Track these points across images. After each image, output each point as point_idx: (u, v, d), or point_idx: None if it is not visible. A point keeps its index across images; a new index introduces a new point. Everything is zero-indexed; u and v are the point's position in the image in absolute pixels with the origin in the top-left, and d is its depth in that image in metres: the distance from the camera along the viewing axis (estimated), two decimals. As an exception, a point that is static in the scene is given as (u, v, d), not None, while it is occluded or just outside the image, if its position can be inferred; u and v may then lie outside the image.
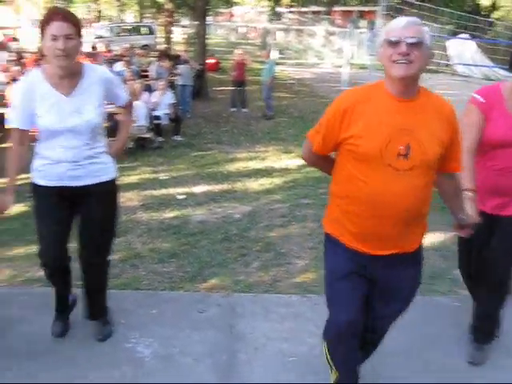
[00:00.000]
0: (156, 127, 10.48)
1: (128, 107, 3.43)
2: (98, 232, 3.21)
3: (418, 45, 2.23)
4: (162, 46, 24.11)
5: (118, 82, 3.26)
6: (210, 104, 15.50)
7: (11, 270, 4.89)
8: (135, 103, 9.90)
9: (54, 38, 2.76)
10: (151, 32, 29.12)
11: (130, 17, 48.97)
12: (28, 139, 3.09)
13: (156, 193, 7.42)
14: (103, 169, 3.15)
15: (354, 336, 2.61)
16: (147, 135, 10.10)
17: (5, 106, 9.73)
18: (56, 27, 2.76)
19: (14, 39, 25.16)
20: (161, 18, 33.22)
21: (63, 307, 3.53)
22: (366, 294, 2.59)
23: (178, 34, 30.11)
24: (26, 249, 5.42)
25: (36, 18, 44.51)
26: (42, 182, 3.10)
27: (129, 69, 12.29)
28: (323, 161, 2.66)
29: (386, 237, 2.44)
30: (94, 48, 21.59)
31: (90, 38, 26.58)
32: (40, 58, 15.73)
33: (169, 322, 3.71)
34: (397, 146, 2.30)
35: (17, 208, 6.82)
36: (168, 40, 26.66)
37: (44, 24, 2.80)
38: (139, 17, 37.94)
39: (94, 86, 2.98)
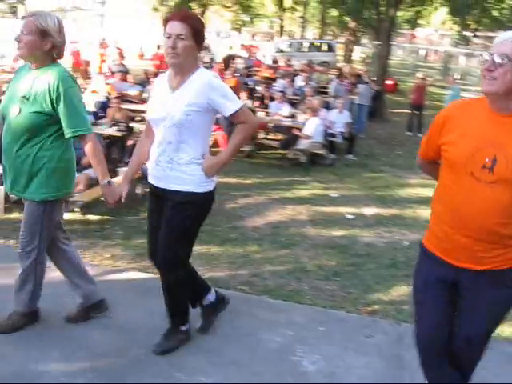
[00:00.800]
0: (330, 144, 10.52)
1: (240, 121, 3.04)
2: (163, 240, 3.08)
3: (503, 62, 2.18)
4: (341, 64, 24.23)
5: (228, 92, 2.98)
6: (384, 126, 15.26)
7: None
8: (312, 119, 10.04)
9: (168, 37, 2.85)
10: (331, 49, 29.43)
11: (310, 33, 50.01)
12: (152, 132, 3.14)
13: (325, 209, 7.42)
14: (184, 179, 2.97)
15: (438, 350, 2.58)
16: (321, 151, 10.16)
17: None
18: (171, 26, 2.85)
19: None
20: (341, 36, 33.48)
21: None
22: (453, 308, 2.56)
23: (357, 53, 30.13)
24: (198, 248, 5.64)
25: (221, 29, 47.26)
26: (149, 178, 3.20)
27: (308, 84, 12.48)
28: (431, 167, 2.71)
29: (468, 249, 2.40)
30: (274, 61, 22.34)
31: (270, 51, 27.58)
32: (223, 67, 16.65)
33: (336, 342, 3.63)
34: (483, 157, 2.30)
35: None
36: (348, 58, 26.77)
37: (164, 22, 2.93)
38: (320, 34, 38.56)
39: (194, 88, 2.92)
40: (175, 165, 2.96)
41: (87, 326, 3.49)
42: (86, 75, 20.58)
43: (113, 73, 14.29)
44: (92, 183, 7.53)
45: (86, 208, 6.69)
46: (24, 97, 3.01)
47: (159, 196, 3.08)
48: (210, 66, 19.21)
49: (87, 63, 20.35)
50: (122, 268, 4.75)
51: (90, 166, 6.44)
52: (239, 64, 18.70)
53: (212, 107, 2.94)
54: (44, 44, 3.03)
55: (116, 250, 5.38)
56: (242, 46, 28.83)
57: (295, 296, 4.51)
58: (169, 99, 2.95)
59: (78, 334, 3.39)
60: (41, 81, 3.02)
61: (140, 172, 6.60)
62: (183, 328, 3.36)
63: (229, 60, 21.01)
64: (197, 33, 2.89)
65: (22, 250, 3.23)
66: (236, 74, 15.42)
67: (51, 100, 2.99)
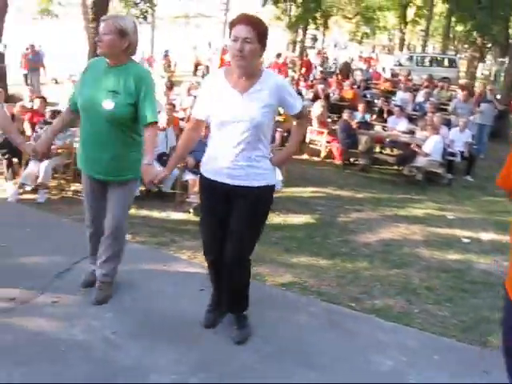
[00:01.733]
0: (448, 164, 10.16)
1: (301, 118, 3.31)
2: (244, 235, 3.21)
3: None
4: (463, 81, 23.33)
5: (293, 91, 3.23)
6: (507, 147, 14.47)
7: (291, 275, 5.15)
8: (433, 137, 9.77)
9: (234, 40, 2.92)
10: (453, 65, 28.41)
11: (431, 47, 48.61)
12: (201, 130, 3.37)
13: (440, 231, 7.18)
14: (260, 174, 3.14)
15: None
16: (438, 170, 9.85)
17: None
18: (238, 30, 2.92)
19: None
20: (463, 51, 32.22)
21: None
22: None
23: (479, 70, 28.89)
24: (307, 259, 5.71)
25: (339, 40, 47.04)
26: (205, 175, 3.26)
27: (429, 100, 12.15)
28: None
29: None
30: (393, 75, 21.96)
31: (390, 64, 27.08)
32: (342, 75, 16.56)
33: (450, 373, 3.48)
34: None
35: (304, 219, 7.27)
36: (471, 75, 25.70)
37: (231, 26, 2.99)
38: (441, 48, 37.35)
39: (267, 90, 3.04)
40: (254, 162, 3.11)
41: (219, 329, 3.52)
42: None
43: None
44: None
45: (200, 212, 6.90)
46: (114, 91, 3.35)
47: (224, 194, 3.17)
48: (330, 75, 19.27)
49: (207, 68, 21.03)
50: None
51: (196, 167, 6.69)
52: (358, 76, 18.55)
53: (280, 106, 3.17)
54: (123, 43, 3.36)
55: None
56: (361, 57, 28.58)
57: (404, 318, 4.39)
58: (240, 101, 3.04)
59: (190, 334, 3.46)
60: (127, 76, 3.37)
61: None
62: (246, 313, 3.50)
63: (347, 68, 20.97)
64: (262, 36, 2.97)
65: (118, 227, 3.58)
66: (354, 86, 15.31)
67: (137, 91, 3.36)
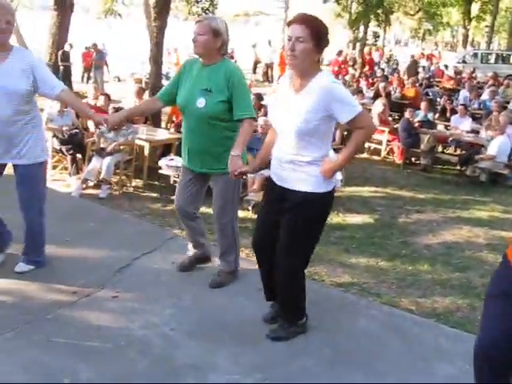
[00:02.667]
0: (515, 164, 9.79)
1: (356, 127, 2.98)
2: (284, 235, 3.16)
3: None
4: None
5: (346, 97, 2.92)
6: None
7: (349, 276, 5.08)
8: (498, 137, 9.44)
9: (289, 39, 2.89)
10: (520, 62, 27.42)
11: (496, 44, 47.12)
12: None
13: (505, 234, 6.90)
14: (303, 180, 3.03)
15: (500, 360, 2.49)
16: (504, 171, 9.50)
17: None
18: (291, 29, 2.90)
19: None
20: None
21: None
22: None
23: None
24: (367, 260, 5.61)
25: (400, 37, 46.13)
26: (268, 173, 3.29)
27: (494, 99, 11.75)
28: None
29: None
30: (457, 72, 21.39)
31: (453, 61, 26.41)
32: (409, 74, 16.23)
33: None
34: None
35: (363, 219, 7.16)
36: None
37: (288, 25, 2.98)
38: (508, 45, 36.11)
39: (315, 93, 2.92)
40: (297, 166, 3.03)
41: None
42: (266, 78, 21.37)
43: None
44: (265, 184, 7.79)
45: (259, 207, 6.90)
46: (206, 89, 3.50)
47: (278, 194, 3.16)
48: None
49: (269, 66, 21.06)
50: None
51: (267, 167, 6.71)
52: (420, 74, 18.20)
53: (330, 113, 2.92)
54: (216, 42, 3.51)
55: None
56: (423, 54, 28.00)
57: (466, 324, 4.24)
58: (292, 102, 3.01)
59: (249, 333, 3.44)
60: (218, 74, 3.51)
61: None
62: (300, 322, 3.45)
63: (414, 66, 20.58)
64: (317, 36, 2.87)
65: (223, 222, 3.81)
66: (416, 84, 14.99)
67: (228, 88, 3.48)
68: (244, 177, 3.67)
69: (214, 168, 3.68)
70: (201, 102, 3.49)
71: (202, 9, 16.63)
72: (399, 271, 5.37)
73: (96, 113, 4.31)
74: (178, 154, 6.48)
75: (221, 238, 3.90)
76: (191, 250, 4.15)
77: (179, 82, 3.69)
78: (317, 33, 2.88)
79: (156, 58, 9.98)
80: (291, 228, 3.11)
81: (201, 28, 3.49)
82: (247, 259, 4.71)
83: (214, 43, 3.50)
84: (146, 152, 8.00)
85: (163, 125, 10.33)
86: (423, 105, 11.46)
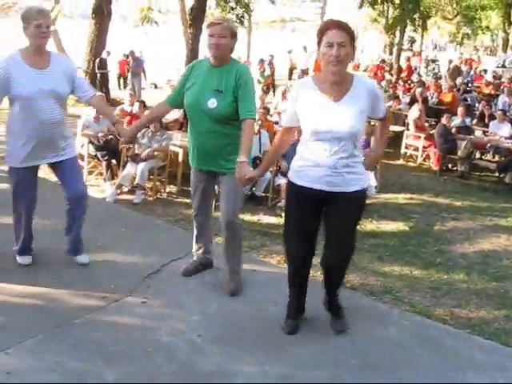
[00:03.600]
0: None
1: (386, 120, 3.39)
2: (345, 238, 3.26)
3: None
4: None
5: (381, 95, 3.28)
6: None
7: (381, 284, 5.01)
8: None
9: (329, 45, 2.90)
10: None
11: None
12: (292, 135, 3.39)
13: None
14: (356, 179, 3.15)
15: None
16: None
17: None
18: (331, 35, 2.90)
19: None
20: None
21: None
22: None
23: None
24: (400, 268, 5.52)
25: (439, 42, 45.54)
26: (299, 182, 3.20)
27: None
28: None
29: None
30: (496, 77, 20.97)
31: (492, 66, 25.91)
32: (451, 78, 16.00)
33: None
34: None
35: (398, 226, 7.05)
36: None
37: (321, 32, 2.96)
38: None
39: (361, 96, 3.04)
40: (351, 168, 3.11)
41: (301, 338, 3.43)
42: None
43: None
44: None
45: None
46: (218, 90, 3.53)
47: (321, 199, 3.16)
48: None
49: (305, 72, 21.02)
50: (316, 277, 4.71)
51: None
52: (458, 78, 17.90)
53: (371, 111, 3.14)
54: (233, 44, 3.61)
55: (317, 259, 5.41)
56: (461, 59, 27.59)
57: (502, 336, 4.11)
58: (335, 110, 3.01)
59: (276, 341, 3.39)
60: (230, 75, 3.54)
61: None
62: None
63: (457, 72, 20.27)
64: (353, 40, 2.96)
65: (233, 221, 3.75)
66: (454, 89, 14.74)
67: (237, 88, 3.51)
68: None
69: (223, 168, 3.68)
70: (213, 103, 3.52)
71: (237, 16, 16.65)
72: (434, 280, 5.29)
73: (121, 121, 4.50)
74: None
75: (231, 240, 3.84)
76: (196, 255, 4.14)
77: (186, 83, 3.70)
78: (353, 37, 2.97)
79: (189, 61, 10.06)
80: (347, 226, 3.24)
81: (222, 30, 3.51)
82: (277, 266, 4.69)
83: (231, 45, 3.59)
84: (180, 158, 8.04)
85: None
86: (460, 110, 11.23)
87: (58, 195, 4.18)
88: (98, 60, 14.99)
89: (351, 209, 3.19)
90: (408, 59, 24.61)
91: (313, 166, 3.11)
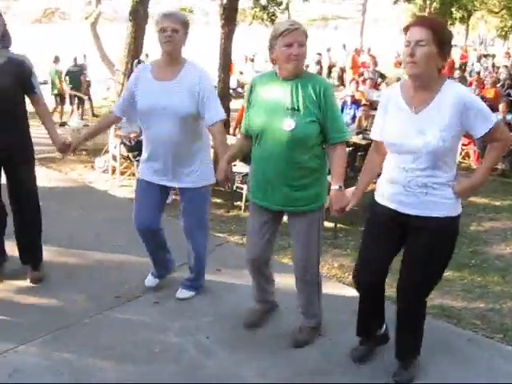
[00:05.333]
0: None
1: (493, 140, 2.67)
2: (416, 270, 2.81)
3: None
4: None
5: (479, 109, 2.59)
6: None
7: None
8: None
9: (407, 45, 2.56)
10: None
11: None
12: (383, 151, 2.88)
13: None
14: (439, 204, 2.68)
15: None
16: None
17: None
18: (410, 33, 2.56)
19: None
20: None
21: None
22: None
23: None
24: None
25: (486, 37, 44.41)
26: (377, 199, 2.89)
27: None
28: None
29: None
30: None
31: None
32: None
33: None
34: None
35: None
36: None
37: (405, 31, 2.62)
38: None
39: (448, 106, 2.56)
40: (430, 189, 2.69)
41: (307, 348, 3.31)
42: (341, 82, 21.15)
43: (364, 80, 14.33)
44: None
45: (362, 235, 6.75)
46: (293, 108, 2.92)
47: (398, 222, 2.81)
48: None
49: (344, 69, 20.83)
50: (347, 282, 4.58)
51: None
52: (502, 74, 17.38)
53: (464, 127, 2.61)
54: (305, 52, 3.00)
55: (345, 261, 5.29)
56: (507, 53, 26.82)
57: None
58: (412, 122, 2.65)
59: (285, 347, 3.30)
60: (305, 89, 2.94)
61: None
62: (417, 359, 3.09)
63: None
64: (440, 39, 2.54)
65: (309, 272, 3.23)
66: (497, 85, 14.31)
67: (320, 107, 2.92)
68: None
69: (295, 205, 3.07)
70: (289, 125, 2.89)
71: (268, 14, 16.06)
72: (466, 282, 5.08)
73: None
74: (244, 160, 6.43)
75: (305, 291, 3.28)
76: (257, 305, 3.57)
77: (250, 104, 3.13)
78: (441, 36, 2.56)
79: (224, 65, 10.01)
80: (424, 263, 2.78)
81: (301, 37, 2.89)
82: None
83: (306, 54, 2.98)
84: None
85: (231, 130, 10.37)
86: (501, 106, 10.84)
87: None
88: (135, 62, 15.12)
89: (431, 240, 2.74)
90: (462, 56, 24.02)
91: (389, 182, 2.82)
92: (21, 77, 3.62)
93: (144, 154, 3.58)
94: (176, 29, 3.22)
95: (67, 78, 13.45)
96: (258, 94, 3.08)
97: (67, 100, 13.52)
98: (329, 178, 3.08)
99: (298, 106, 2.91)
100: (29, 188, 3.81)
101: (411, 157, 2.66)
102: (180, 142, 3.36)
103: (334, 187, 2.94)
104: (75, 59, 14.50)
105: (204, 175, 3.51)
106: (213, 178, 3.51)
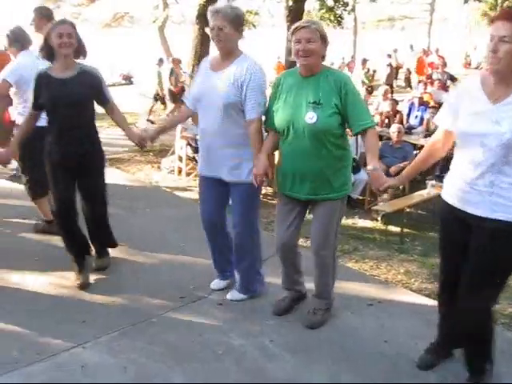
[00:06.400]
0: None
1: None
2: (476, 277, 2.68)
3: None
4: None
5: None
6: None
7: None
8: None
9: (491, 39, 2.45)
10: None
11: None
12: (448, 143, 2.85)
13: None
14: (503, 205, 2.55)
15: None
16: None
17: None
18: (494, 27, 2.45)
19: None
20: None
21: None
22: None
23: None
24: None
25: None
26: (444, 196, 2.82)
27: None
28: None
29: None
30: None
31: None
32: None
33: None
34: None
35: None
36: None
37: (490, 24, 2.52)
38: None
39: None
40: (496, 189, 2.56)
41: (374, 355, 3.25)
42: (408, 83, 20.73)
43: (433, 81, 14.00)
44: (396, 194, 7.44)
45: (388, 218, 6.59)
46: (315, 102, 3.10)
47: (464, 222, 2.70)
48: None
49: (408, 71, 20.41)
50: (413, 288, 4.45)
51: (396, 174, 6.43)
52: None
53: None
54: (325, 49, 3.16)
55: (412, 266, 5.15)
56: None
57: None
58: (489, 112, 2.54)
59: (348, 351, 3.24)
60: (326, 84, 3.12)
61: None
62: (488, 367, 2.92)
63: None
64: None
65: (325, 247, 3.36)
66: None
67: (341, 99, 3.09)
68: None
69: (321, 193, 3.25)
70: (311, 117, 3.07)
71: (335, 15, 15.81)
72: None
73: None
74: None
75: (320, 273, 3.45)
76: (285, 292, 3.71)
77: (277, 100, 3.29)
78: None
79: (289, 66, 10.03)
80: (486, 266, 2.65)
81: (311, 34, 3.06)
82: (363, 274, 4.48)
83: (323, 51, 3.13)
84: (276, 160, 7.97)
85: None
86: None
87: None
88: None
89: (493, 243, 2.60)
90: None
91: (455, 178, 2.73)
92: (94, 87, 3.76)
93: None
94: (222, 26, 3.27)
95: (172, 77, 14.19)
96: (283, 90, 3.25)
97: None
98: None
99: (319, 100, 3.10)
100: (100, 189, 3.98)
101: (482, 151, 2.55)
102: (222, 132, 3.39)
103: (370, 168, 3.05)
104: (161, 60, 15.24)
105: (249, 171, 3.46)
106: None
